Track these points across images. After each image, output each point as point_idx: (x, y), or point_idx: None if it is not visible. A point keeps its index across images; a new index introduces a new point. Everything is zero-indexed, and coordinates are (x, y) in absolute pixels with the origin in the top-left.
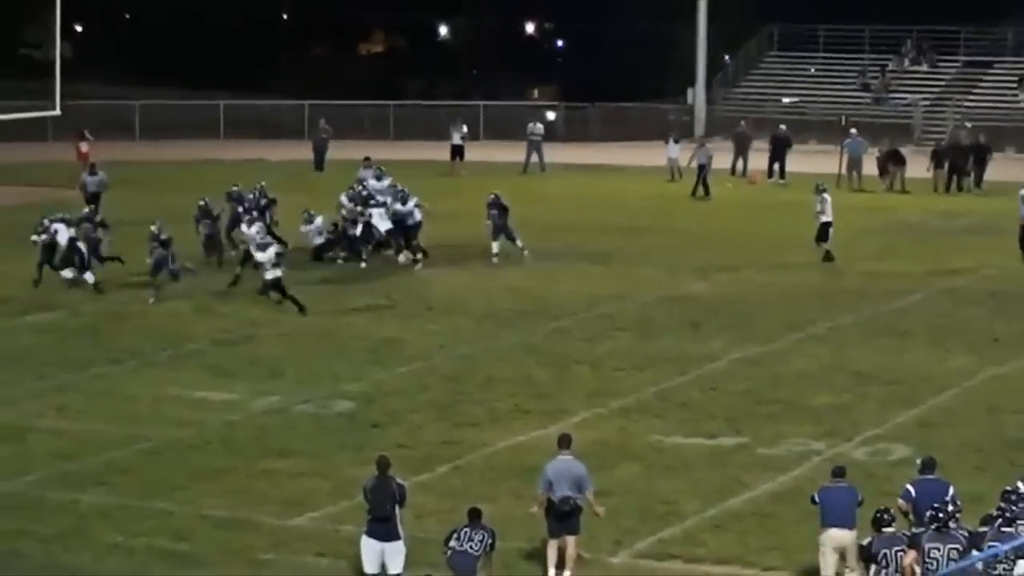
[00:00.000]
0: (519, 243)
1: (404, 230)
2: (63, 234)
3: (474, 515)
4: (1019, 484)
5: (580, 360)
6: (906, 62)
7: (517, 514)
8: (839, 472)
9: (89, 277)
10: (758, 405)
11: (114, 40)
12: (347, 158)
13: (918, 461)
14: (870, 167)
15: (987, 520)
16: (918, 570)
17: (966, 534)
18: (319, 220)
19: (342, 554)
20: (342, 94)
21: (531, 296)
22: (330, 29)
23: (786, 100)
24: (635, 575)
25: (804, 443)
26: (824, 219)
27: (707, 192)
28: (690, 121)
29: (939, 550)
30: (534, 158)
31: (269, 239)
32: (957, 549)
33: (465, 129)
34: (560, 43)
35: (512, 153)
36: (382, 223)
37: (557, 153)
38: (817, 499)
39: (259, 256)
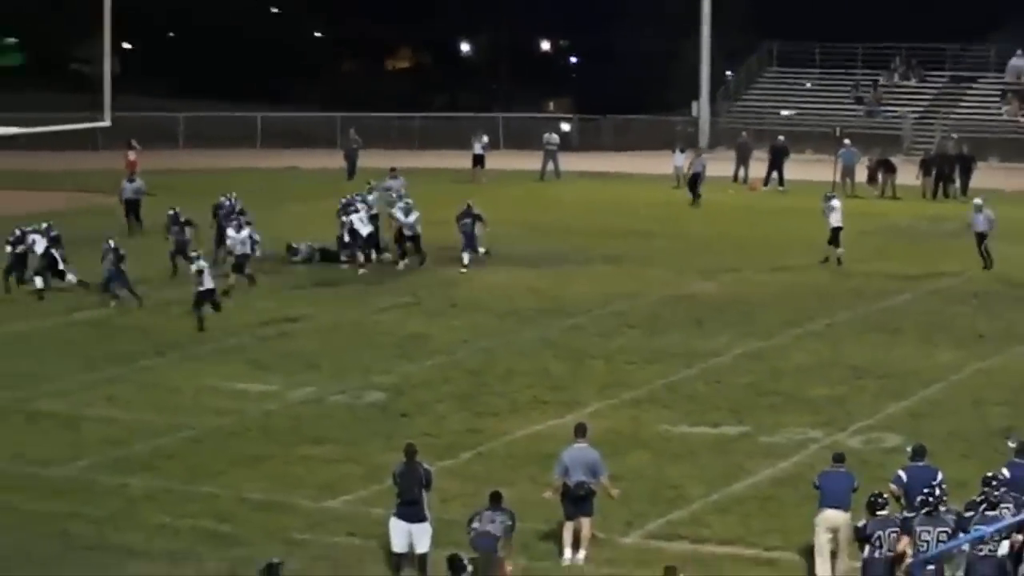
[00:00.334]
0: (480, 251)
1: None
2: (39, 244)
3: (495, 498)
4: (1003, 470)
5: (594, 355)
6: (896, 77)
7: (535, 498)
8: (839, 458)
9: (71, 278)
10: (759, 397)
11: (160, 57)
12: (376, 166)
13: (909, 449)
14: (863, 175)
15: (972, 505)
16: (910, 552)
17: (954, 517)
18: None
19: (372, 534)
20: (371, 106)
21: (548, 295)
22: (360, 46)
23: (784, 112)
24: (645, 554)
25: (802, 432)
26: (833, 224)
27: (696, 198)
28: (695, 132)
29: (929, 533)
30: (550, 166)
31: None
32: (946, 532)
33: (486, 139)
34: (574, 59)
35: (530, 162)
36: (363, 227)
37: (571, 161)
38: (817, 483)
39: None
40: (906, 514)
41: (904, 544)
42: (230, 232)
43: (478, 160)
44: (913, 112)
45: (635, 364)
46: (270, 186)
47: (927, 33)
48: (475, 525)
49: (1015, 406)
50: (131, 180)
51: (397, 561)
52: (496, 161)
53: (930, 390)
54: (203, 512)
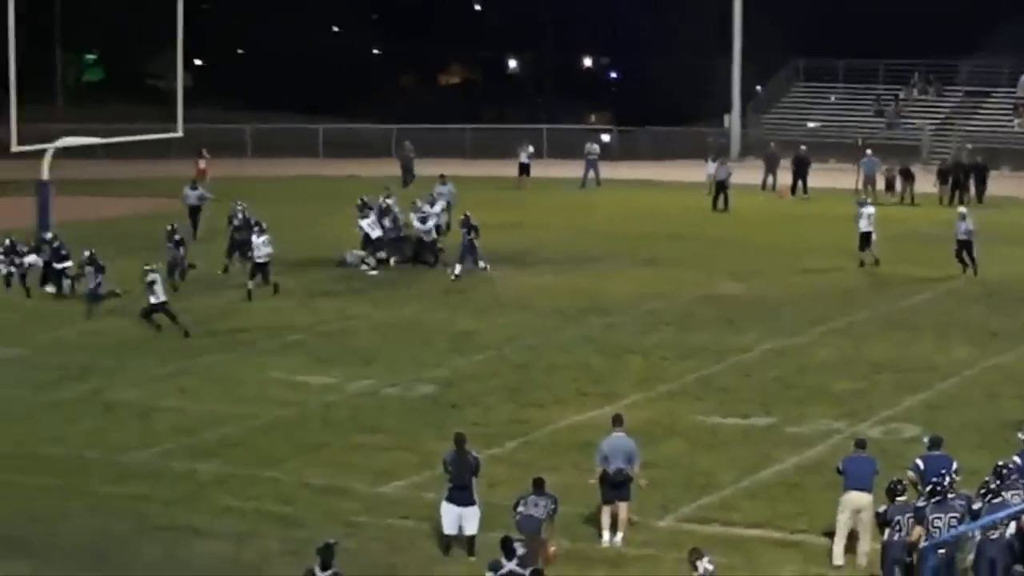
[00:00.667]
0: (480, 264)
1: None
2: (36, 259)
3: (539, 484)
4: (1015, 458)
5: (631, 350)
6: (915, 92)
7: (577, 483)
8: (861, 444)
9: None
10: (786, 390)
11: (229, 72)
12: (429, 174)
13: (926, 439)
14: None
15: (986, 489)
16: (924, 538)
17: (963, 503)
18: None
19: (425, 517)
20: (425, 118)
21: (588, 295)
22: (415, 62)
23: (810, 124)
24: (678, 537)
25: (826, 423)
26: (863, 229)
27: (717, 204)
28: (727, 143)
29: (941, 519)
30: (591, 175)
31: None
32: (956, 517)
33: (531, 149)
34: (613, 74)
35: (572, 170)
36: (372, 230)
37: (611, 170)
38: (841, 467)
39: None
40: (920, 503)
41: (917, 533)
42: (254, 239)
43: (524, 169)
44: (931, 124)
45: (669, 359)
46: (332, 193)
47: (944, 50)
48: (520, 509)
49: None
50: (193, 187)
51: (447, 542)
52: (540, 170)
53: (946, 384)
54: (266, 496)
